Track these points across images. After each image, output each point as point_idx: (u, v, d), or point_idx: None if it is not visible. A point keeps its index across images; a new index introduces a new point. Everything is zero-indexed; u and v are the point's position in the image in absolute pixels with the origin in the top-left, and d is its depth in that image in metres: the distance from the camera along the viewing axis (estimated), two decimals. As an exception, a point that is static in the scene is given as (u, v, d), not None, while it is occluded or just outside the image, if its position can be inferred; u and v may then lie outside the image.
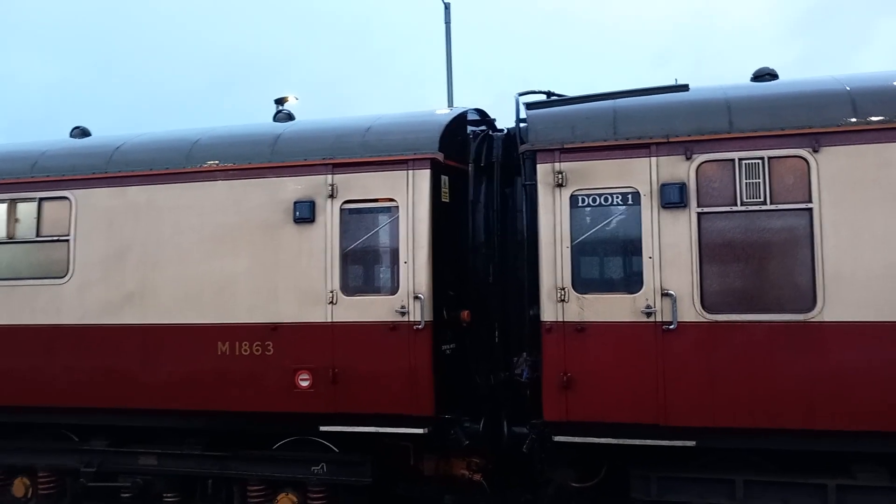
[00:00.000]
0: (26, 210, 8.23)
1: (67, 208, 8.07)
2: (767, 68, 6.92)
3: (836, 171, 5.98)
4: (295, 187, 7.36)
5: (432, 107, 8.30)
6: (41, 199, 8.17)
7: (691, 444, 6.20)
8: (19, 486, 8.30)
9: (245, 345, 7.37)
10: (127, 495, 7.95)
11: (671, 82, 6.81)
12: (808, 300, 5.97)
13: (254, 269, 7.39)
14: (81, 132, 9.07)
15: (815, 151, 6.04)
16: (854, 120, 6.02)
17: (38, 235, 8.17)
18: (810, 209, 6.01)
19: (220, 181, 7.61)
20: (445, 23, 16.27)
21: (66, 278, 7.96)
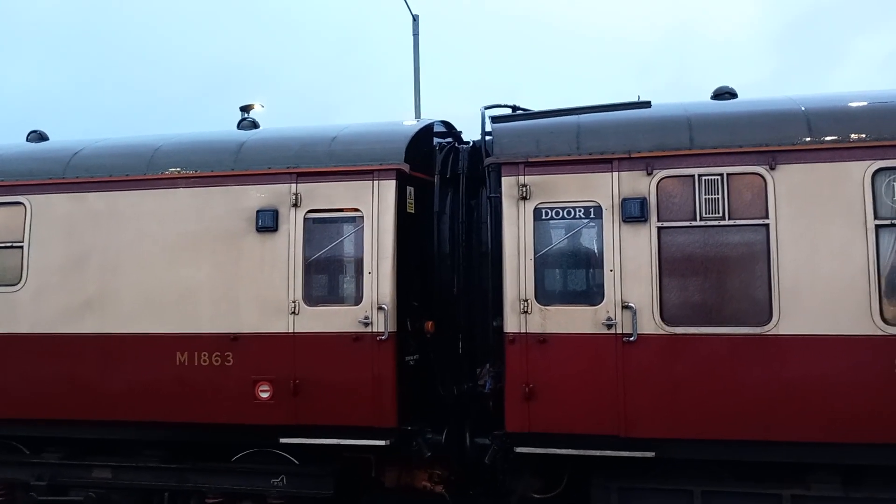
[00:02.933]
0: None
1: (22, 214, 7.86)
2: (727, 87, 7.09)
3: (791, 188, 6.15)
4: (258, 196, 7.29)
5: (404, 117, 8.29)
6: None
7: (650, 454, 6.28)
8: (-33, 500, 8.03)
9: (204, 355, 7.25)
10: (80, 510, 7.74)
11: (650, 96, 6.93)
12: (765, 313, 6.11)
13: (215, 278, 7.28)
14: (39, 136, 8.86)
15: (772, 169, 6.20)
16: (808, 139, 6.20)
17: None
18: (767, 225, 6.16)
19: (182, 188, 7.50)
20: (413, 35, 16.34)
21: (20, 286, 7.75)
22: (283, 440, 7.12)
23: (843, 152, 6.09)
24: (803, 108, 6.38)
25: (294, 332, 7.07)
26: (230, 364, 7.18)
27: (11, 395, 7.69)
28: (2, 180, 7.99)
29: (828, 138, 6.16)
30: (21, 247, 7.80)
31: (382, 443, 6.86)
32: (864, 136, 6.09)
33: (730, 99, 6.97)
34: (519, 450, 6.51)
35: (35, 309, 7.69)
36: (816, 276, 6.04)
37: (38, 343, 7.65)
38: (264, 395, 7.10)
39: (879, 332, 5.89)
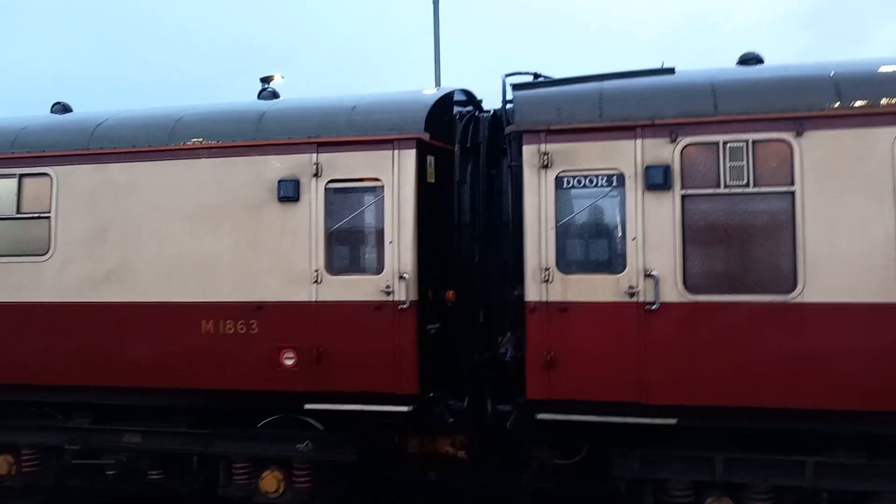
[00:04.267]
0: (6, 186, 8.10)
1: (48, 185, 7.97)
2: (753, 52, 6.95)
3: (818, 154, 6.04)
4: (279, 166, 7.32)
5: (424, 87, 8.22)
6: (21, 176, 8.06)
7: (672, 422, 6.30)
8: (2, 464, 8.26)
9: (229, 323, 7.36)
10: (111, 473, 7.96)
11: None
12: (789, 282, 6.05)
13: (238, 248, 7.36)
14: (63, 108, 8.94)
15: (799, 135, 6.09)
16: (837, 105, 6.08)
17: (18, 212, 8.07)
18: (792, 192, 6.07)
19: (204, 159, 7.55)
20: (434, 2, 16.13)
21: (48, 255, 7.89)
22: (307, 406, 7.24)
23: (873, 118, 5.97)
24: (832, 73, 6.24)
25: (317, 301, 7.14)
26: (255, 332, 7.29)
27: (42, 361, 7.87)
28: (28, 151, 8.09)
29: (857, 104, 6.03)
30: (48, 217, 7.92)
31: (405, 409, 6.95)
32: (894, 101, 5.95)
33: (756, 64, 6.83)
34: (540, 416, 6.56)
35: (63, 278, 7.83)
36: (842, 244, 5.96)
37: (67, 311, 7.81)
38: (288, 363, 7.20)
39: None
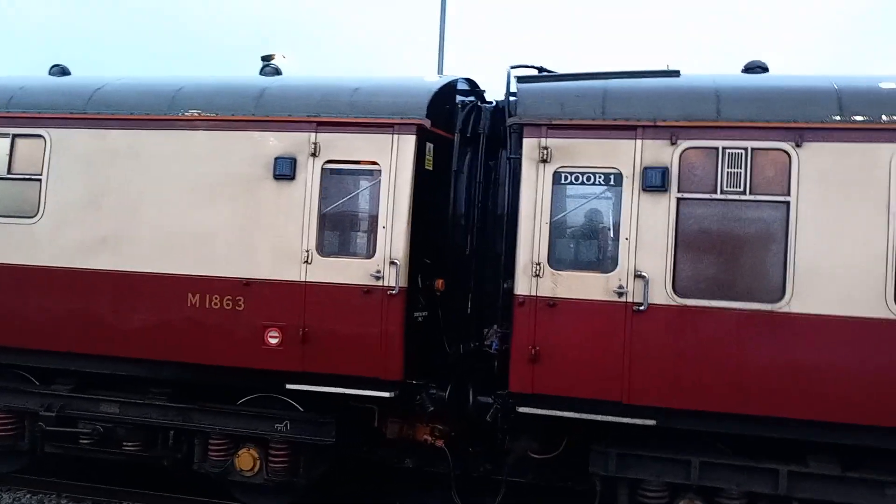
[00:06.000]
0: (-1, 145, 8.02)
1: (42, 147, 7.88)
2: (758, 61, 6.99)
3: (817, 166, 6.08)
4: (277, 143, 7.28)
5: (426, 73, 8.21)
6: (14, 136, 7.97)
7: (651, 423, 6.32)
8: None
9: (216, 298, 7.31)
10: (86, 442, 7.89)
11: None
12: (778, 291, 6.08)
13: (230, 223, 7.31)
14: (61, 70, 8.85)
15: (798, 146, 6.12)
16: (838, 118, 6.11)
17: (8, 172, 7.98)
18: (788, 202, 6.10)
19: (202, 131, 7.49)
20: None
21: (36, 218, 7.81)
22: (288, 386, 7.20)
23: (873, 133, 6.01)
24: (836, 87, 6.27)
25: (306, 281, 7.10)
26: (241, 309, 7.24)
27: (24, 324, 7.79)
28: (23, 112, 7.99)
29: (858, 118, 6.06)
30: (39, 180, 7.84)
31: (387, 394, 6.93)
32: (895, 117, 5.98)
33: (761, 73, 6.85)
34: (521, 409, 6.56)
35: (51, 242, 7.75)
36: (833, 257, 6.00)
37: (52, 276, 7.73)
38: (273, 341, 7.16)
39: (892, 317, 5.86)
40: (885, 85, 6.31)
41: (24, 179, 7.92)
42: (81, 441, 7.92)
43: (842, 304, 5.95)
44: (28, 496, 8.03)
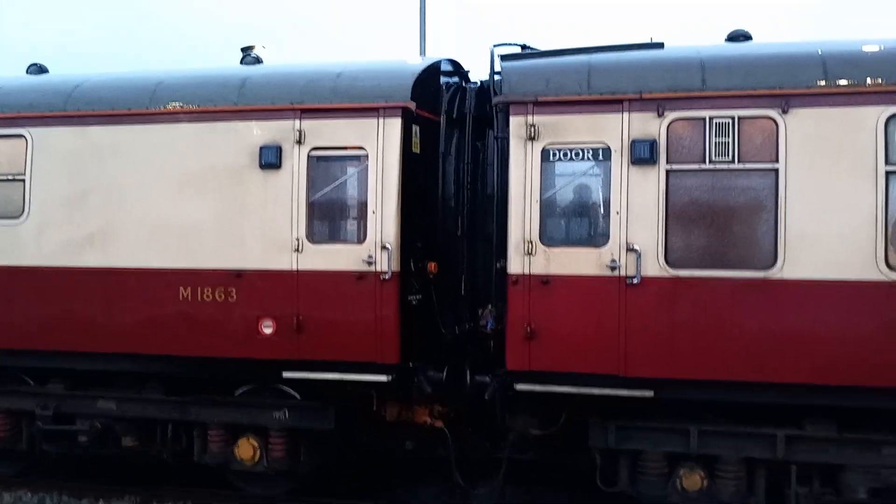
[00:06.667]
0: (-21, 147, 7.91)
1: (23, 146, 7.78)
2: (742, 30, 6.97)
3: (804, 132, 6.08)
4: (261, 132, 7.21)
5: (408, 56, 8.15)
6: None
7: (649, 394, 6.36)
8: (-28, 429, 8.13)
9: (208, 290, 7.28)
10: (84, 439, 7.87)
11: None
12: (770, 258, 6.11)
13: (218, 215, 7.26)
14: (39, 69, 8.73)
15: (785, 112, 6.12)
16: (823, 83, 6.11)
17: None
18: (776, 169, 6.11)
19: (185, 123, 7.41)
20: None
21: (22, 218, 7.73)
22: (285, 374, 7.19)
23: (858, 97, 6.01)
24: (820, 52, 6.27)
25: (297, 270, 7.08)
26: (234, 300, 7.21)
27: (16, 326, 7.74)
28: (2, 112, 7.88)
29: (842, 82, 6.07)
30: (23, 179, 7.75)
31: (384, 378, 6.94)
32: (879, 80, 6.00)
33: (744, 41, 6.84)
34: (519, 387, 6.58)
35: (38, 242, 7.68)
36: (823, 221, 6.02)
37: (41, 275, 7.67)
38: (267, 331, 7.15)
39: (884, 278, 5.91)
40: (868, 48, 6.31)
41: (7, 180, 7.83)
42: (79, 439, 7.90)
43: (834, 268, 5.98)
44: (28, 495, 8.01)
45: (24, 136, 7.79)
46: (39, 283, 7.68)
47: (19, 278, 7.75)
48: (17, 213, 7.77)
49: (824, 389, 6.05)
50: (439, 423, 7.52)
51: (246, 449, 7.45)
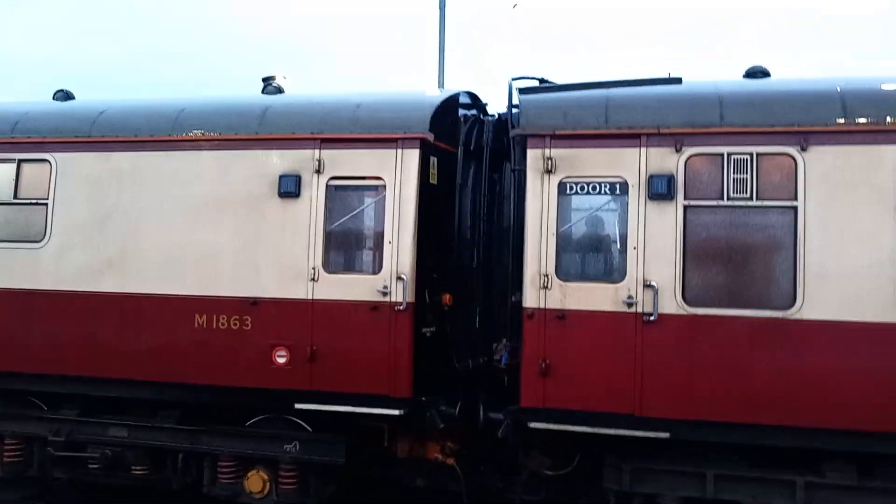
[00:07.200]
0: (4, 171, 8.05)
1: (47, 171, 7.92)
2: (759, 66, 6.96)
3: (822, 170, 6.02)
4: (281, 161, 7.28)
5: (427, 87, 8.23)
6: (20, 161, 8.01)
7: (665, 435, 6.22)
8: (-16, 453, 8.13)
9: (223, 318, 7.28)
10: (95, 466, 7.84)
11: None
12: (789, 297, 6.01)
13: (236, 242, 7.30)
14: (65, 95, 8.91)
15: (804, 150, 6.07)
16: (843, 121, 6.06)
17: (15, 197, 8.01)
18: (795, 207, 6.04)
19: (206, 151, 7.51)
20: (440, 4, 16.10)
21: (43, 242, 7.82)
22: (297, 406, 7.14)
23: (878, 135, 5.96)
24: (839, 89, 6.23)
25: (313, 299, 7.07)
26: (248, 328, 7.21)
27: (31, 350, 7.78)
28: (29, 137, 8.04)
29: (862, 120, 6.02)
30: (46, 204, 7.86)
31: (396, 412, 6.86)
32: (900, 119, 5.94)
33: (762, 78, 6.83)
34: (533, 425, 6.48)
35: (57, 266, 7.76)
36: (843, 262, 5.93)
37: (58, 300, 7.73)
38: (281, 361, 7.12)
39: None
40: (887, 86, 6.26)
41: (30, 204, 7.95)
42: (90, 466, 7.86)
43: (853, 309, 5.87)
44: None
45: (49, 161, 7.92)
46: (57, 308, 7.74)
47: (39, 302, 7.81)
48: (38, 238, 7.86)
49: (844, 434, 5.89)
50: (451, 461, 7.40)
51: (256, 482, 7.38)
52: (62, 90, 8.94)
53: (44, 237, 7.83)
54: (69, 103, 8.69)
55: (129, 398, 7.73)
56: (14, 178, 8.00)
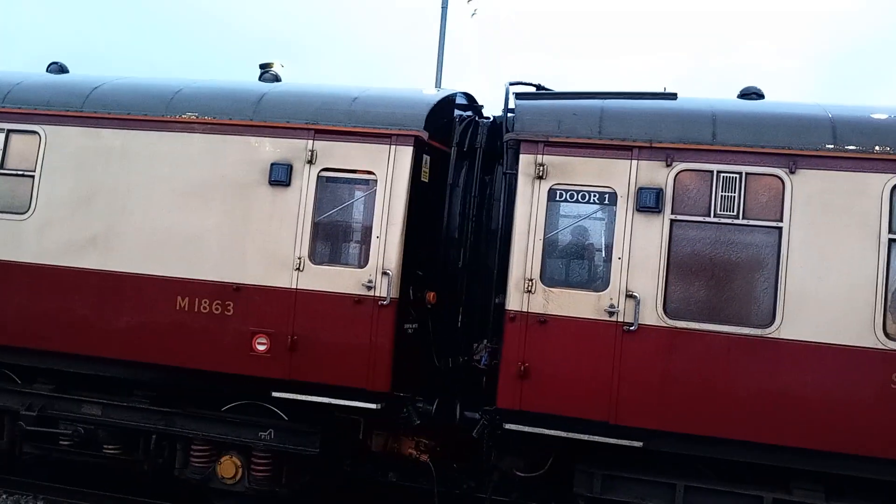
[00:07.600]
0: (-8, 141, 7.96)
1: (36, 143, 7.83)
2: (754, 87, 7.05)
3: (809, 193, 6.12)
4: (274, 149, 7.26)
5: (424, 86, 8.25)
6: (9, 131, 7.92)
7: (639, 444, 6.29)
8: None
9: (205, 302, 7.25)
10: (66, 443, 7.78)
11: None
12: (768, 316, 6.10)
13: (223, 227, 7.27)
14: (59, 68, 8.81)
15: (792, 172, 6.16)
16: (832, 146, 6.16)
17: (1, 168, 7.92)
18: (780, 228, 6.14)
19: (199, 134, 7.46)
20: (442, 5, 16.15)
21: (27, 215, 7.75)
22: (275, 394, 7.14)
23: (865, 163, 6.07)
24: (830, 115, 6.34)
25: (297, 289, 7.07)
26: (230, 314, 7.19)
27: (8, 322, 7.70)
28: (19, 108, 7.95)
29: (851, 147, 6.12)
30: (32, 176, 7.79)
31: (374, 406, 6.88)
32: (888, 148, 6.05)
33: (756, 99, 6.91)
34: (508, 426, 6.53)
35: (40, 240, 7.68)
36: (823, 285, 6.03)
37: (39, 273, 7.65)
38: (261, 348, 7.11)
39: (880, 346, 5.89)
40: (877, 116, 6.38)
41: (16, 175, 7.86)
42: (61, 442, 7.81)
43: (831, 332, 5.97)
44: (4, 496, 7.89)
45: (38, 133, 7.84)
46: (36, 281, 7.66)
47: (19, 274, 7.73)
48: (22, 209, 7.78)
49: (813, 454, 5.99)
50: (425, 457, 7.44)
51: (228, 467, 7.37)
52: (56, 62, 8.84)
53: (28, 209, 7.75)
54: (63, 76, 8.59)
55: (106, 376, 7.67)
56: (2, 148, 7.91)
